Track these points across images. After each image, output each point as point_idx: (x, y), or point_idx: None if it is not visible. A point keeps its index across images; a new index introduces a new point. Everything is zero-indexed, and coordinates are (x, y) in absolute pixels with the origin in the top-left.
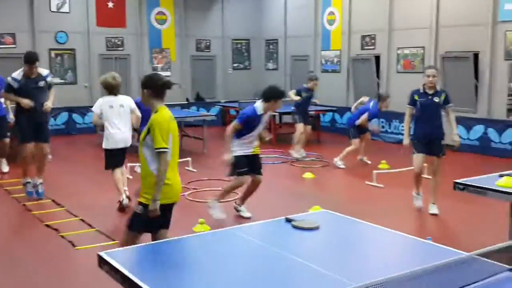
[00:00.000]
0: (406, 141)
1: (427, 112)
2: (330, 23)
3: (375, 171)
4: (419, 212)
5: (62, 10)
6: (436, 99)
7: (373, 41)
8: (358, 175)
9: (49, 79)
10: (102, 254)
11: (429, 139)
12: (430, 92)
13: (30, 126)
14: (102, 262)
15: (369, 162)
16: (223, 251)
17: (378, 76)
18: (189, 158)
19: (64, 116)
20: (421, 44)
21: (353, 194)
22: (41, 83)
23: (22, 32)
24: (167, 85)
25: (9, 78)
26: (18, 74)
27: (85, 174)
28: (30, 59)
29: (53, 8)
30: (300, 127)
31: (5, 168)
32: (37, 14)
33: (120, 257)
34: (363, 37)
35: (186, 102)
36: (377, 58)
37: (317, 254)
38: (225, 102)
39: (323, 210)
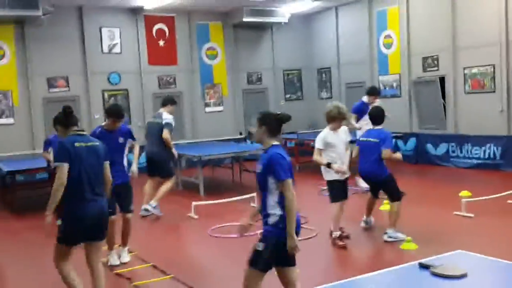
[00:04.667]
0: None
1: None
2: (387, 46)
3: (464, 200)
4: None
5: (113, 51)
6: None
7: (436, 61)
8: (437, 204)
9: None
10: None
11: None
12: None
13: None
14: None
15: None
16: None
17: (443, 98)
18: (253, 194)
19: None
20: (490, 61)
21: (444, 226)
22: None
23: (75, 75)
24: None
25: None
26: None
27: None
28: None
29: (105, 50)
30: None
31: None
32: (89, 56)
33: None
34: (425, 58)
35: (240, 136)
36: (442, 79)
37: None
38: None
39: (458, 251)
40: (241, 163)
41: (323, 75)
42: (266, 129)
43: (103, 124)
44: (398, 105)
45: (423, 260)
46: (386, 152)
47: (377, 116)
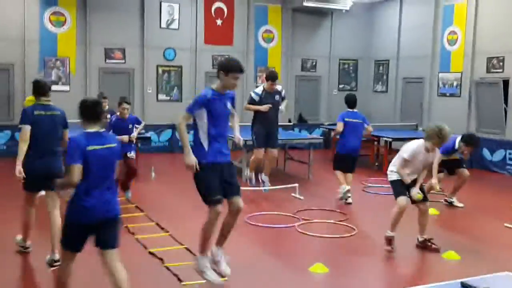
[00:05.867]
0: None
1: None
2: (451, 43)
3: None
4: None
5: (171, 26)
6: None
7: (501, 63)
8: (487, 213)
9: (283, 94)
10: None
11: None
12: None
13: (263, 134)
14: None
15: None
16: None
17: (506, 103)
18: (296, 184)
19: (167, 133)
20: None
21: (492, 238)
22: (277, 97)
23: (131, 47)
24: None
25: (251, 93)
26: (259, 89)
27: (188, 196)
28: (273, 77)
29: (163, 25)
30: None
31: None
32: (147, 29)
33: None
34: (490, 59)
35: (289, 123)
36: (506, 82)
37: None
38: (328, 125)
39: (506, 273)
40: (287, 151)
41: (380, 67)
42: None
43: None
44: (456, 105)
45: (466, 280)
46: (370, 128)
47: (354, 101)
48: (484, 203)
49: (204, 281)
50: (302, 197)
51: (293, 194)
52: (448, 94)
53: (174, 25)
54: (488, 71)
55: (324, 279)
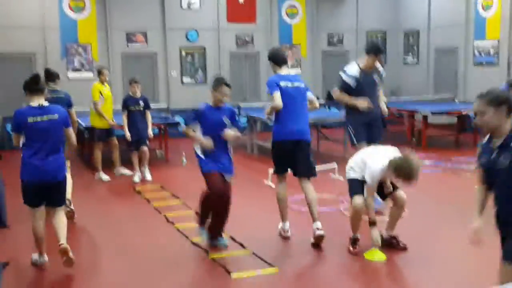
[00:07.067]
0: None
1: None
2: (486, 8)
3: None
4: None
5: (192, 7)
6: None
7: None
8: None
9: (382, 71)
10: None
11: None
12: None
13: (363, 125)
14: None
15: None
16: None
17: None
18: (334, 165)
19: None
20: None
21: None
22: (376, 78)
23: (153, 30)
24: None
25: (342, 74)
26: (353, 68)
27: None
28: (379, 50)
29: (184, 5)
30: None
31: (148, 176)
32: (168, 11)
33: None
34: None
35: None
36: None
37: None
38: None
39: None
40: (320, 130)
41: (410, 38)
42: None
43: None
44: (493, 73)
45: None
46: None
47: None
48: None
49: (254, 272)
50: (342, 178)
51: (332, 175)
52: (484, 63)
53: (196, 5)
54: None
55: (381, 267)
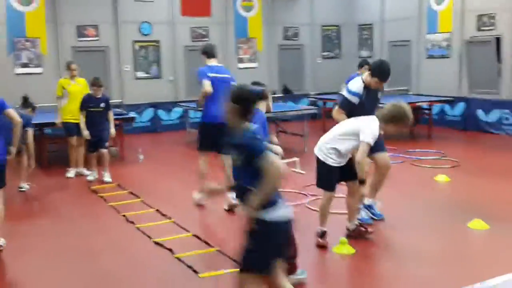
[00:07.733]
0: None
1: None
2: (438, 2)
3: None
4: None
5: None
6: None
7: (492, 20)
8: (497, 175)
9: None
10: None
11: None
12: None
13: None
14: None
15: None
16: None
17: (499, 61)
18: (296, 158)
19: (149, 113)
20: None
21: None
22: (379, 94)
23: (105, 24)
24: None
25: (346, 94)
26: (357, 83)
27: (181, 178)
28: (385, 77)
29: None
30: None
31: (108, 179)
32: (120, 3)
33: None
34: (480, 16)
35: (273, 95)
36: (498, 40)
37: None
38: (315, 95)
39: None
40: (278, 124)
41: (364, 32)
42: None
43: None
44: (447, 66)
45: None
46: None
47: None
48: (488, 164)
49: (221, 271)
50: (303, 172)
51: (293, 169)
52: (437, 56)
53: None
54: (478, 30)
55: (350, 260)
